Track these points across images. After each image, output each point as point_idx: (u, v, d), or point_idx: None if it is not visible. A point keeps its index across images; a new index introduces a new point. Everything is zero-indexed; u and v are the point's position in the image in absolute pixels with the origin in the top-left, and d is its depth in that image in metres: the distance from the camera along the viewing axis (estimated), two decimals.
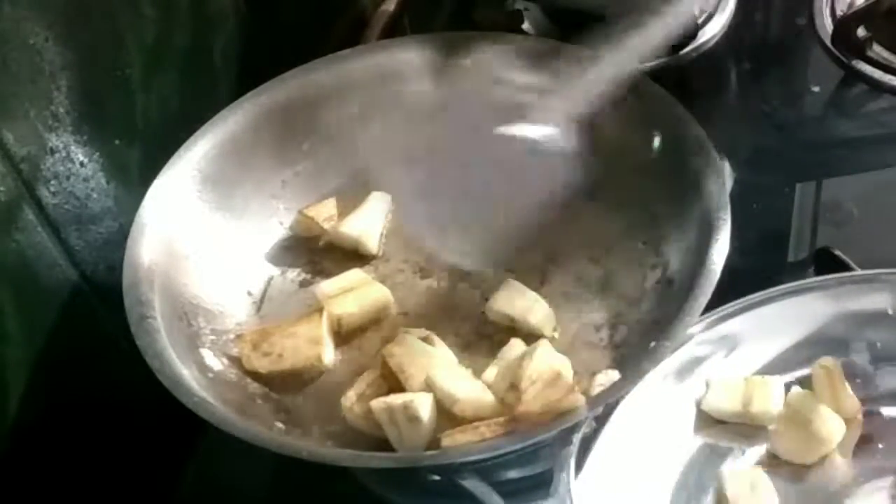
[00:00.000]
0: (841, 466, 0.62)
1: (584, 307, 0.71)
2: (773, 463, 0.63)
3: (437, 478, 0.63)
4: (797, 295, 0.67)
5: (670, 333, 0.62)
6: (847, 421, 0.63)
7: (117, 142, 0.72)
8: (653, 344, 0.63)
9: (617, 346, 0.68)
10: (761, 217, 0.81)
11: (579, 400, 0.60)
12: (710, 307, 0.62)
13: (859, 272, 0.68)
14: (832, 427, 0.62)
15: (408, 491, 0.70)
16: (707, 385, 0.66)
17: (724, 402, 0.65)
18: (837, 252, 0.73)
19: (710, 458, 0.64)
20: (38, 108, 0.65)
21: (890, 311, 0.65)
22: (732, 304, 0.66)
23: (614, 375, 0.63)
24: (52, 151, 0.66)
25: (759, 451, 0.64)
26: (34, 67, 0.64)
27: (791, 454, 0.63)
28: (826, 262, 0.73)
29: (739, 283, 0.67)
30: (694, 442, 0.65)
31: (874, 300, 0.66)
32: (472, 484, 0.59)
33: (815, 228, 0.82)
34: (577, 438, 0.60)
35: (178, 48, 0.77)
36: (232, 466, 0.75)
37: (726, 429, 0.65)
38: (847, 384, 0.63)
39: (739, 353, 0.66)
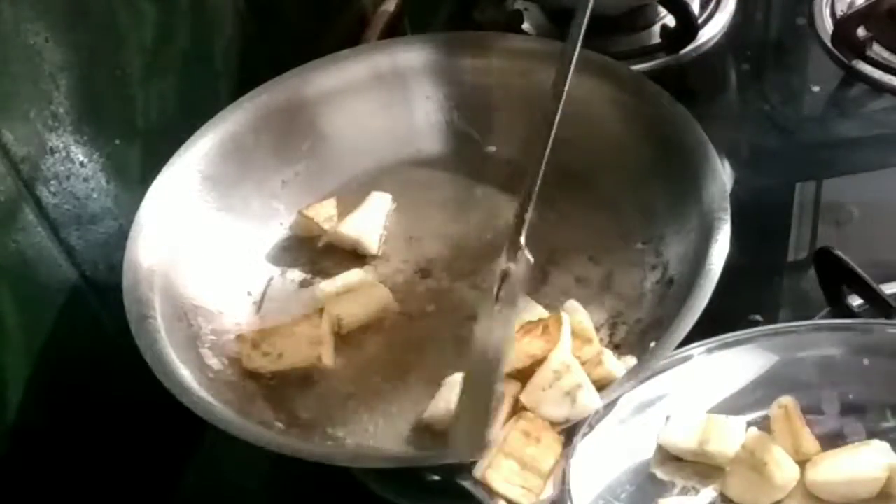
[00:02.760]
0: None
1: (585, 307, 0.71)
2: None
3: (436, 478, 0.63)
4: (773, 337, 0.65)
5: (670, 333, 0.62)
6: (803, 463, 0.62)
7: (117, 142, 0.72)
8: (653, 344, 0.63)
9: (617, 346, 0.68)
10: (761, 217, 0.81)
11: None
12: (710, 308, 0.62)
13: (835, 321, 0.67)
14: (787, 473, 0.61)
15: (408, 491, 0.70)
16: (667, 419, 0.64)
17: (682, 438, 0.63)
18: (837, 252, 0.73)
19: (660, 495, 0.62)
20: (38, 108, 0.65)
21: (866, 362, 0.64)
22: (706, 341, 0.64)
23: (632, 361, 0.63)
24: (52, 151, 0.66)
25: (711, 492, 0.62)
26: (34, 67, 0.64)
27: (743, 498, 0.61)
28: (826, 262, 0.73)
29: (739, 284, 0.67)
30: (648, 476, 0.63)
31: (848, 349, 0.64)
32: (473, 484, 0.59)
33: (815, 228, 0.82)
34: (577, 439, 0.60)
35: (178, 48, 0.77)
36: (232, 466, 0.75)
37: (683, 466, 0.63)
38: (806, 425, 0.62)
39: (705, 393, 0.64)
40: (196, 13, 0.79)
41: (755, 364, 0.65)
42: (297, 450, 0.61)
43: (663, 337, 0.62)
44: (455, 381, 0.65)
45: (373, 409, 0.68)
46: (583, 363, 0.62)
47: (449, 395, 0.65)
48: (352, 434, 0.67)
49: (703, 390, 0.64)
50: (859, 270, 0.70)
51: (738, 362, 0.65)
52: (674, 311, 0.64)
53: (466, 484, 0.59)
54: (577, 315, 0.66)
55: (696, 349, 0.64)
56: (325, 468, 0.61)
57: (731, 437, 0.62)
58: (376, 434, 0.67)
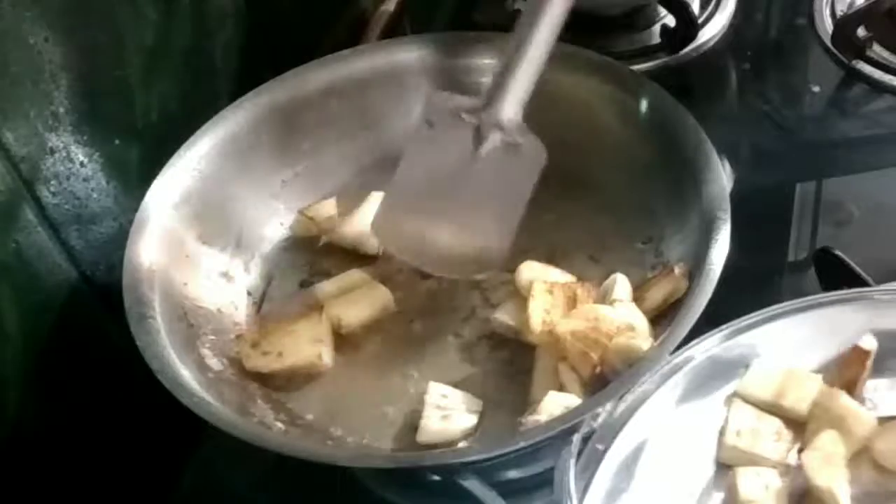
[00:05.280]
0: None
1: None
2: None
3: (437, 478, 0.63)
4: (830, 307, 0.65)
5: (670, 333, 0.62)
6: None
7: (117, 142, 0.72)
8: (653, 344, 0.63)
9: None
10: (761, 217, 0.81)
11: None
12: (710, 308, 0.62)
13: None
14: (866, 423, 0.61)
15: (408, 491, 0.70)
16: (746, 368, 0.64)
17: (759, 388, 0.63)
18: (837, 252, 0.73)
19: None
20: (38, 108, 0.65)
21: None
22: (765, 310, 0.65)
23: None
24: (52, 151, 0.66)
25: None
26: (34, 67, 0.64)
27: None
28: (826, 262, 0.73)
29: (740, 284, 0.67)
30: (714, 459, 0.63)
31: None
32: (472, 484, 0.59)
33: (815, 228, 0.82)
34: (577, 438, 0.60)
35: (178, 48, 0.77)
36: (232, 466, 0.75)
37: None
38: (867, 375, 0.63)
39: (766, 363, 0.65)
40: (196, 13, 0.79)
41: (811, 335, 0.65)
42: (297, 450, 0.61)
43: (663, 337, 0.62)
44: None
45: (373, 409, 0.68)
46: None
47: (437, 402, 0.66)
48: (352, 434, 0.67)
49: (759, 364, 0.65)
50: (859, 270, 0.70)
51: (792, 334, 0.65)
52: (674, 310, 0.64)
53: (466, 484, 0.59)
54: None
55: (738, 325, 0.65)
56: (325, 468, 0.61)
57: (808, 392, 0.62)
58: (376, 434, 0.67)
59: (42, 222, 0.66)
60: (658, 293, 0.67)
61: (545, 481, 0.62)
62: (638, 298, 0.68)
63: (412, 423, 0.66)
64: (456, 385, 0.67)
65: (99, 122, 0.70)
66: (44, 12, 0.64)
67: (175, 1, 0.76)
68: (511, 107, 0.67)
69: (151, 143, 0.74)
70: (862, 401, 0.63)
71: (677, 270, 0.66)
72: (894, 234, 0.80)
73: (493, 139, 0.68)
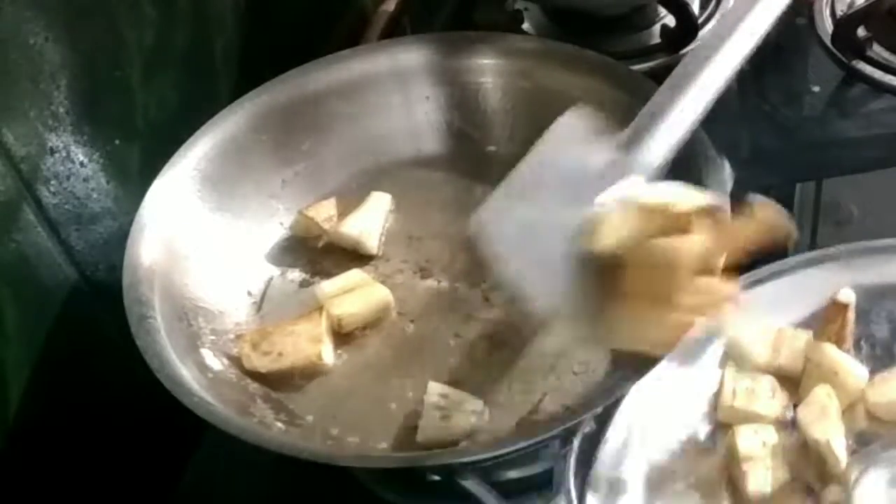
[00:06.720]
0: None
1: None
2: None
3: (437, 478, 0.63)
4: (816, 265, 0.67)
5: None
6: None
7: (117, 142, 0.72)
8: None
9: None
10: None
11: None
12: None
13: (879, 242, 0.69)
14: (858, 376, 0.62)
15: (408, 491, 0.70)
16: (736, 332, 0.65)
17: (752, 350, 0.64)
18: None
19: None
20: (38, 108, 0.65)
21: None
22: (747, 275, 0.66)
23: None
24: (52, 151, 0.66)
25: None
26: (34, 67, 0.64)
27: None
28: None
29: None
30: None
31: (894, 271, 0.66)
32: (472, 484, 0.59)
33: (815, 228, 0.82)
34: (577, 438, 0.60)
35: (178, 48, 0.77)
36: (232, 466, 0.75)
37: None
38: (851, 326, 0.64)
39: (755, 324, 0.66)
40: (196, 13, 0.79)
41: (798, 293, 0.67)
42: (297, 450, 0.61)
43: None
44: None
45: (373, 409, 0.68)
46: None
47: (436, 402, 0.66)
48: (352, 434, 0.67)
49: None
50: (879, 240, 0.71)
51: (780, 293, 0.67)
52: None
53: (466, 484, 0.59)
54: None
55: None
56: (325, 468, 0.61)
57: (798, 348, 0.64)
58: (376, 434, 0.67)
59: (42, 222, 0.66)
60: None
61: (545, 481, 0.62)
62: None
63: (412, 423, 0.66)
64: (456, 385, 0.67)
65: (99, 122, 0.70)
66: (44, 12, 0.64)
67: (175, 1, 0.76)
68: (656, 157, 0.62)
69: (151, 143, 0.74)
70: (853, 354, 0.64)
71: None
72: (894, 234, 0.80)
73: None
